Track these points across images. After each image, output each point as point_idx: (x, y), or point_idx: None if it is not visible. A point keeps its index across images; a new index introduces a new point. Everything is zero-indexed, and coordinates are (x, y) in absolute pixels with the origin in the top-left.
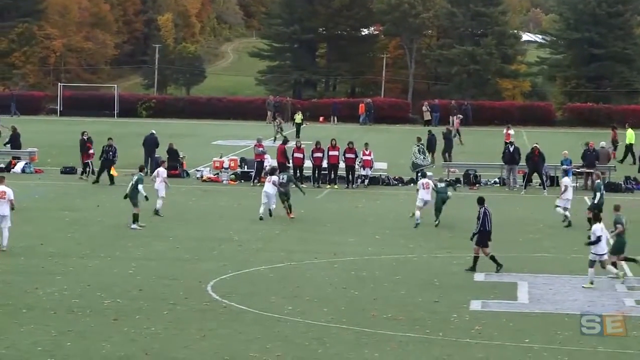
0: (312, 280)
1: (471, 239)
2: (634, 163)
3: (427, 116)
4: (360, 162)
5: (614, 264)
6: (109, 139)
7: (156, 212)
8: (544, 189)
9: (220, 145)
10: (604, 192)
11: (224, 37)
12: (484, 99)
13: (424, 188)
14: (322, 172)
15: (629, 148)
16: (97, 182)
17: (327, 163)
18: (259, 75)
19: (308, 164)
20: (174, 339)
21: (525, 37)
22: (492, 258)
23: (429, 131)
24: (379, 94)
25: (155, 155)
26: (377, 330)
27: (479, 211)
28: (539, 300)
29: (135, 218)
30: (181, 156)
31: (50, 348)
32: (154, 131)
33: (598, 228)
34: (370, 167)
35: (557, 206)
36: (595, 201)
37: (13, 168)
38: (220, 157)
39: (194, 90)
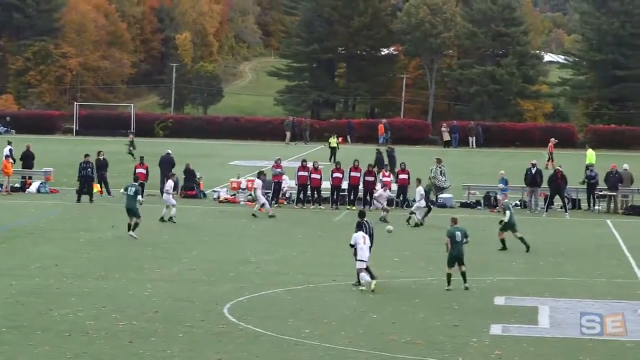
0: (330, 303)
1: (354, 254)
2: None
3: (447, 137)
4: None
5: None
6: (86, 155)
7: (171, 219)
8: (566, 211)
9: (237, 166)
10: (512, 211)
11: (242, 57)
12: (505, 120)
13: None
14: (341, 193)
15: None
16: (79, 201)
17: (348, 184)
18: (278, 95)
19: (326, 184)
20: None
21: (547, 57)
22: (367, 269)
23: (389, 147)
24: (399, 115)
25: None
26: (396, 355)
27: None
28: (560, 324)
29: (136, 226)
30: (198, 177)
31: None
32: (170, 151)
33: (358, 236)
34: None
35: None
36: (506, 220)
37: (28, 188)
38: (238, 178)
39: (212, 109)
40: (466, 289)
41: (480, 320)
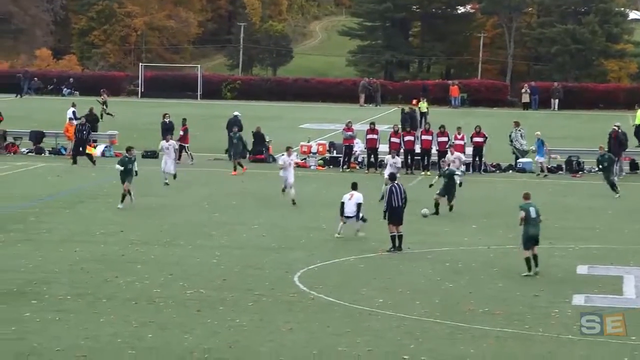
0: (405, 271)
1: (384, 218)
2: None
3: (526, 99)
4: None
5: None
6: (80, 118)
7: (293, 201)
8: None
9: (308, 129)
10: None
11: (312, 15)
12: (587, 81)
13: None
14: (415, 157)
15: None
16: (75, 163)
17: (420, 148)
18: (349, 55)
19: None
20: (259, 331)
21: (633, 15)
22: (399, 238)
23: (403, 109)
24: (476, 76)
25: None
26: (473, 325)
27: (387, 188)
28: None
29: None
30: (267, 140)
31: (130, 340)
32: (237, 113)
33: (346, 194)
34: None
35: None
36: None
37: None
38: (308, 142)
39: (281, 70)
40: (536, 274)
41: (562, 290)
